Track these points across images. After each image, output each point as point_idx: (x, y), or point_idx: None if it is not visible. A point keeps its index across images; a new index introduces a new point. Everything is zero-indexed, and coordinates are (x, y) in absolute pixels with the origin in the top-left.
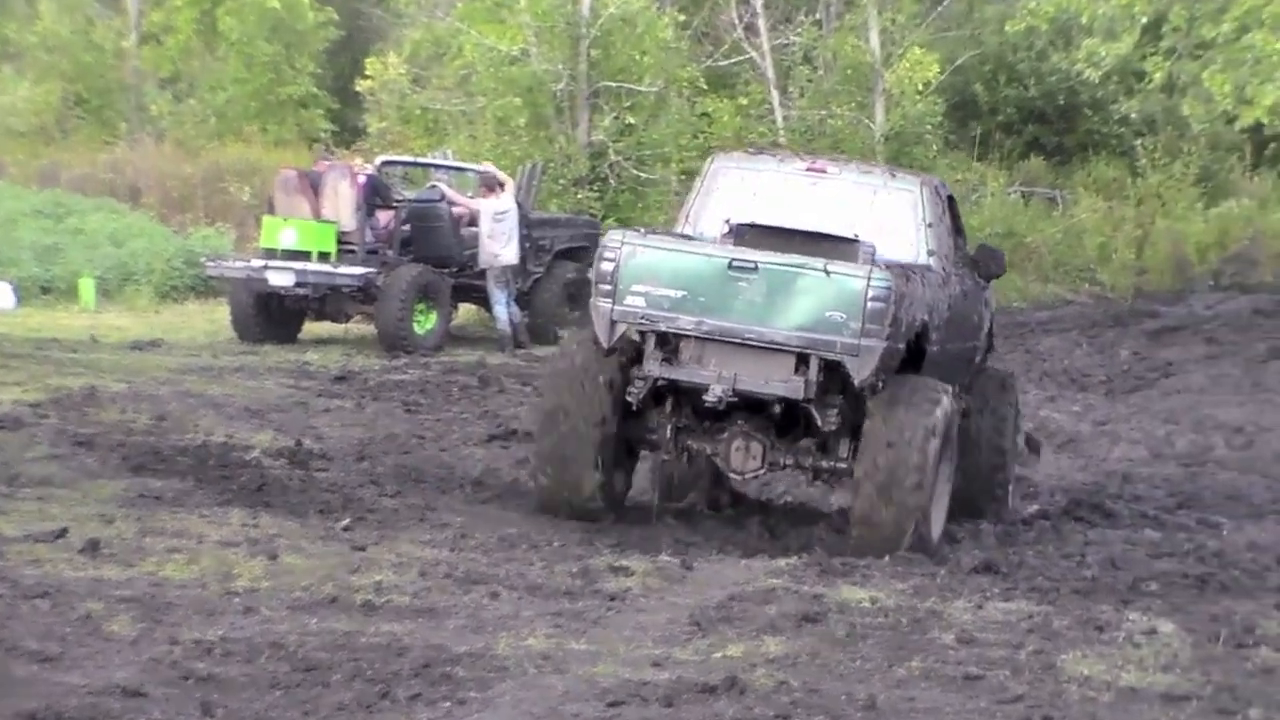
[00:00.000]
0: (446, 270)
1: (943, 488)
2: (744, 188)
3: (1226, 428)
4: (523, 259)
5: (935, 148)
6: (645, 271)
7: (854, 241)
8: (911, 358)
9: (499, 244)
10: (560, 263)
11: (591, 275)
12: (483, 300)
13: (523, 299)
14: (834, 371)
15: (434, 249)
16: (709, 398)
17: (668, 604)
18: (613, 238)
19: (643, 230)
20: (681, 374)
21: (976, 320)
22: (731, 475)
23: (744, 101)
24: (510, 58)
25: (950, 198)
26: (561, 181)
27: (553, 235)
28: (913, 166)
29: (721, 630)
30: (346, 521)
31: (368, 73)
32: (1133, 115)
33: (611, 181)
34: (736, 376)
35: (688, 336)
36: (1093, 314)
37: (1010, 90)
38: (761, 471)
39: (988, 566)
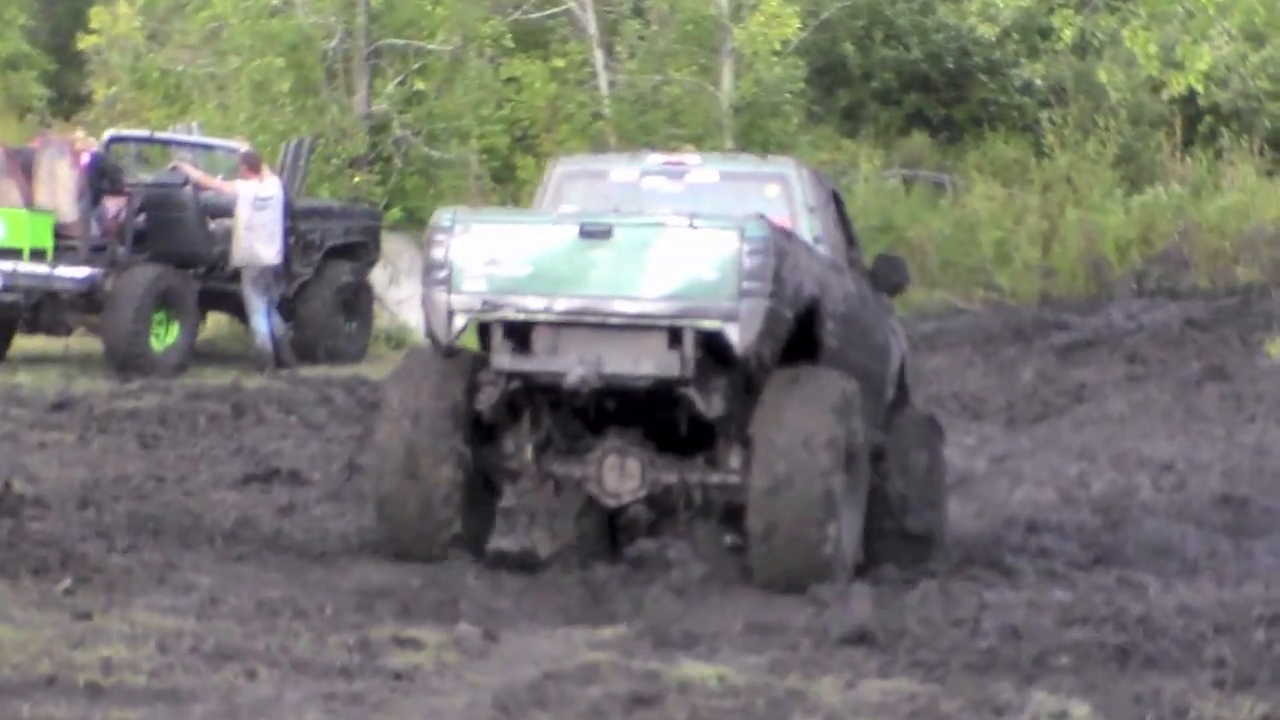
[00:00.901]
0: (192, 271)
1: (853, 503)
2: (596, 193)
3: (1153, 465)
4: (287, 258)
5: (796, 121)
6: (482, 251)
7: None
8: (804, 345)
9: (259, 239)
10: (333, 263)
11: (421, 264)
12: (237, 309)
13: (286, 307)
14: (714, 348)
15: (176, 244)
16: (568, 381)
17: (467, 685)
18: (441, 217)
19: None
20: (536, 364)
21: (882, 341)
22: (605, 501)
23: (560, 64)
24: (270, 8)
25: (836, 194)
26: (334, 162)
27: (323, 228)
28: (768, 144)
29: (534, 717)
30: (67, 583)
31: (93, 26)
32: (1037, 82)
33: (397, 162)
34: (600, 360)
35: (540, 323)
36: (989, 326)
37: (887, 51)
38: (641, 493)
39: (861, 636)
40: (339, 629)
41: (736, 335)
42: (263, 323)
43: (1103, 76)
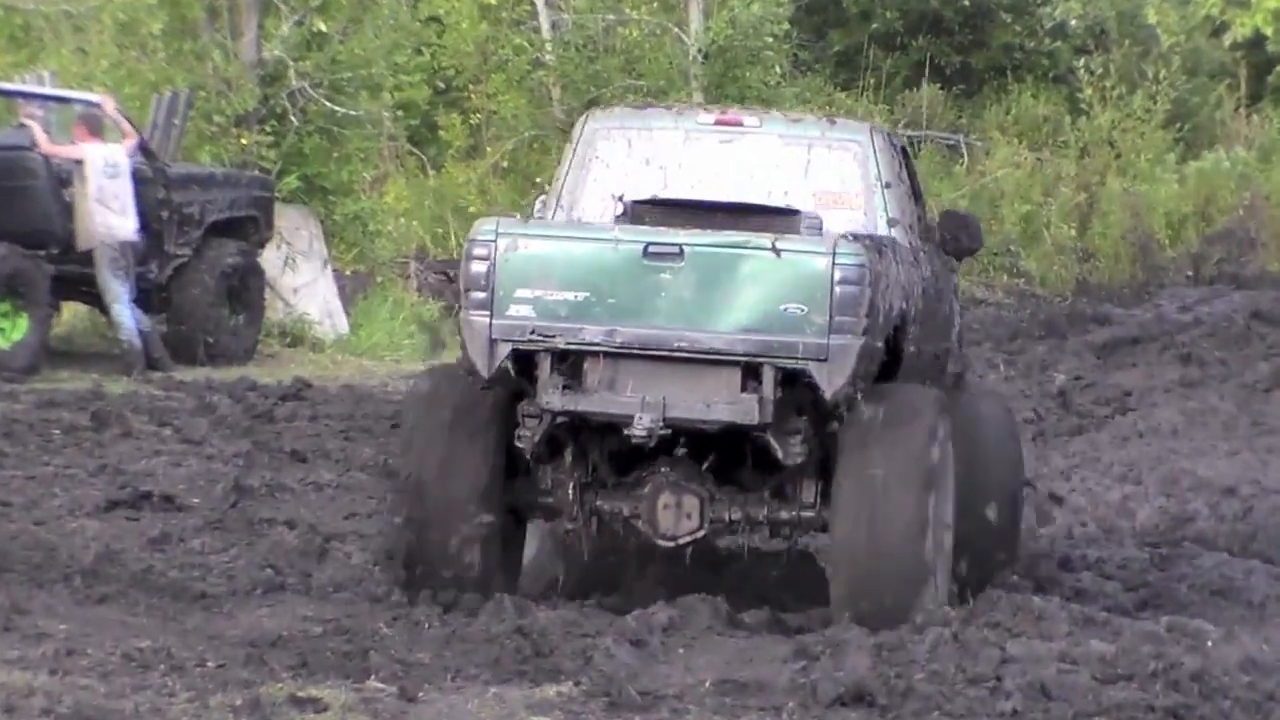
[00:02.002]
0: (44, 252)
1: (946, 535)
2: (633, 154)
3: (1212, 488)
4: (159, 235)
5: (779, 70)
6: (532, 270)
7: (793, 213)
8: (885, 362)
9: (114, 211)
10: (216, 241)
11: (459, 281)
12: (99, 298)
13: (159, 296)
14: (795, 385)
15: (23, 220)
16: (635, 432)
17: None
18: (484, 228)
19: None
20: (593, 405)
21: (948, 312)
22: (660, 542)
23: (493, 1)
24: None
25: (905, 150)
26: (218, 119)
27: (204, 200)
28: (745, 98)
29: None
30: None
31: None
32: (1072, 23)
33: (293, 119)
34: (666, 402)
35: (595, 353)
36: (1014, 319)
37: None
38: (700, 533)
39: (858, 695)
40: (224, 686)
41: (826, 377)
42: (125, 313)
43: (1152, 16)
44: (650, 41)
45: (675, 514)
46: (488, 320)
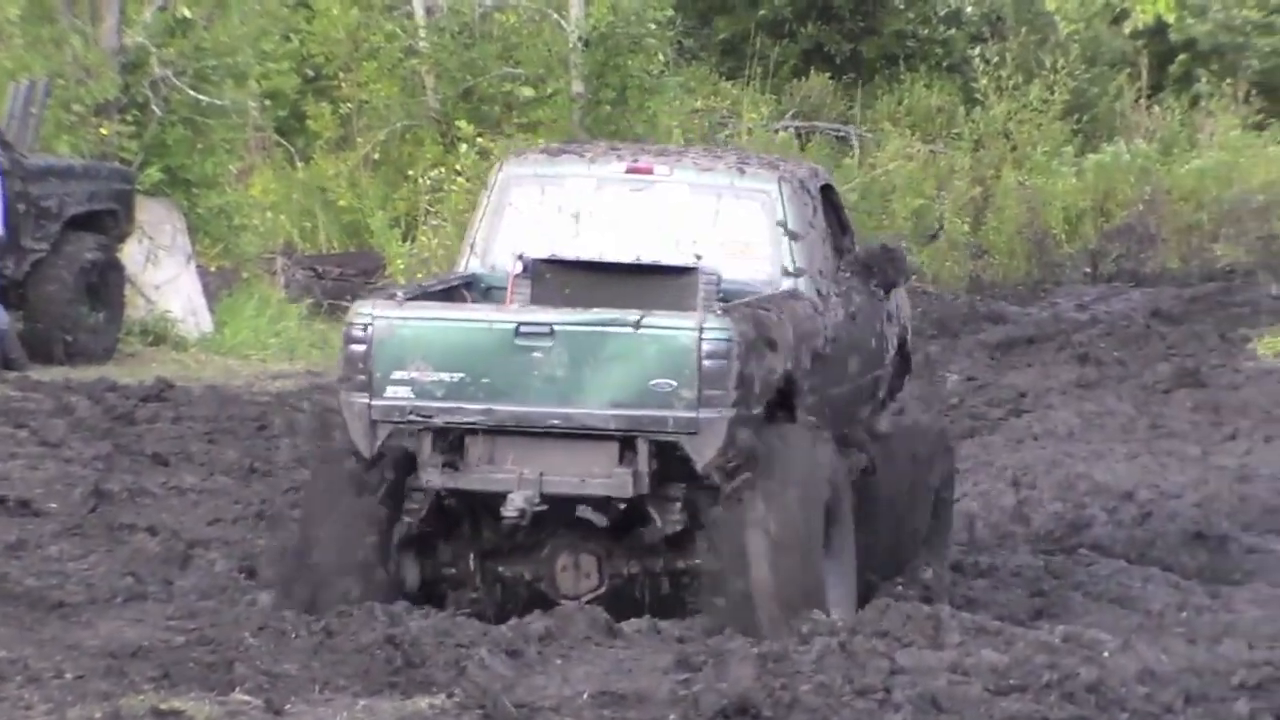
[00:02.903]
0: None
1: (842, 558)
2: (545, 203)
3: (1110, 493)
4: (15, 230)
5: (662, 59)
6: (408, 351)
7: (691, 270)
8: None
9: None
10: (75, 236)
11: (339, 362)
12: None
13: (14, 293)
14: (669, 455)
15: None
16: (508, 512)
17: None
18: (359, 310)
19: (397, 294)
20: (471, 481)
21: (875, 345)
22: (562, 601)
23: None
24: None
25: (827, 187)
26: (77, 109)
27: (62, 193)
28: (627, 86)
29: None
30: None
31: None
32: (968, 11)
33: (156, 109)
34: (543, 477)
35: (474, 431)
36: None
37: None
38: (601, 590)
39: (742, 708)
40: (83, 698)
41: (698, 449)
42: None
43: (1050, 4)
44: (529, 28)
45: (574, 574)
46: (367, 402)
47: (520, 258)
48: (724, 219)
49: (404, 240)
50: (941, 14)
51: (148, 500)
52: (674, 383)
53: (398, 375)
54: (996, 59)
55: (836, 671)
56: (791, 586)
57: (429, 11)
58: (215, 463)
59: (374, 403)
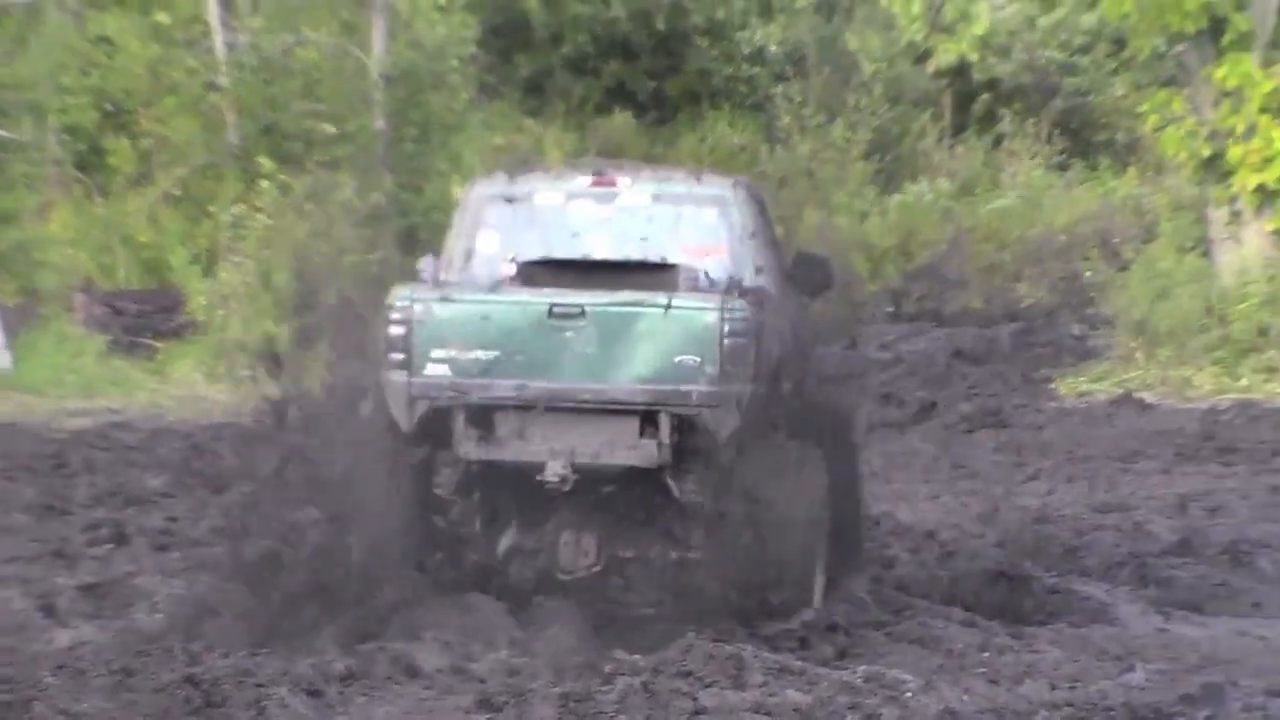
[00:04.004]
0: None
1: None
2: (519, 218)
3: (912, 533)
4: None
5: (465, 96)
6: (446, 332)
7: (671, 268)
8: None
9: None
10: None
11: (380, 344)
12: None
13: None
14: (688, 430)
15: None
16: (548, 478)
17: None
18: (400, 296)
19: (429, 278)
20: (506, 453)
21: (806, 352)
22: (560, 575)
23: (164, 19)
24: None
25: (760, 199)
26: None
27: None
28: (430, 123)
29: None
30: None
31: None
32: (771, 49)
33: None
34: (574, 449)
35: (505, 407)
36: None
37: (582, 7)
38: (596, 568)
39: None
40: None
41: (717, 421)
42: None
43: (853, 43)
44: (331, 64)
45: (574, 551)
46: (406, 379)
47: (512, 260)
48: (686, 223)
49: (204, 276)
50: (745, 52)
51: None
52: (698, 359)
53: (436, 354)
54: (800, 98)
55: (639, 711)
56: (786, 569)
57: (230, 47)
58: (12, 500)
59: (413, 380)
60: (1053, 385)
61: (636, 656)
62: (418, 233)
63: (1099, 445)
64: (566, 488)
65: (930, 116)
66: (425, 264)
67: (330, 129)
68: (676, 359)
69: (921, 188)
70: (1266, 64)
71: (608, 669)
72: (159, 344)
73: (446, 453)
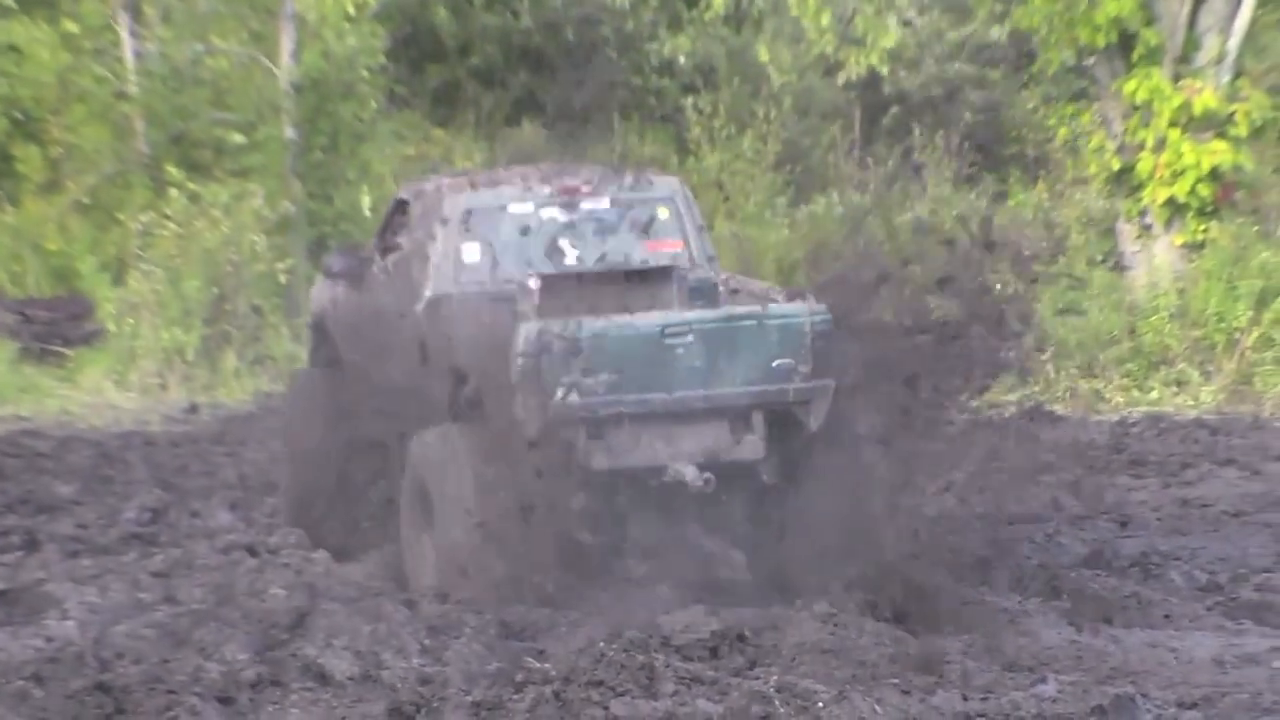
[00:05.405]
0: None
1: None
2: (495, 225)
3: None
4: None
5: (374, 105)
6: (571, 358)
7: (669, 270)
8: None
9: None
10: None
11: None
12: None
13: None
14: (776, 424)
15: None
16: (694, 481)
17: None
18: (526, 333)
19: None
20: (634, 460)
21: None
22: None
23: (73, 28)
24: None
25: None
26: None
27: None
28: (339, 133)
29: None
30: None
31: None
32: (681, 60)
33: None
34: (691, 451)
35: (626, 418)
36: None
37: (490, 18)
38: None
39: None
40: None
41: (810, 414)
42: None
43: (763, 55)
44: (240, 73)
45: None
46: (539, 403)
47: (535, 274)
48: (645, 221)
49: (114, 284)
50: (655, 64)
51: None
52: (792, 361)
53: (565, 379)
54: (709, 109)
55: None
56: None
57: (139, 55)
58: None
59: (545, 402)
60: (963, 397)
61: (547, 665)
62: (327, 241)
63: (1009, 458)
64: (710, 489)
65: (840, 128)
66: (334, 259)
67: (239, 138)
68: (774, 363)
69: (830, 200)
70: (1176, 78)
71: (519, 677)
72: (69, 351)
73: (572, 465)
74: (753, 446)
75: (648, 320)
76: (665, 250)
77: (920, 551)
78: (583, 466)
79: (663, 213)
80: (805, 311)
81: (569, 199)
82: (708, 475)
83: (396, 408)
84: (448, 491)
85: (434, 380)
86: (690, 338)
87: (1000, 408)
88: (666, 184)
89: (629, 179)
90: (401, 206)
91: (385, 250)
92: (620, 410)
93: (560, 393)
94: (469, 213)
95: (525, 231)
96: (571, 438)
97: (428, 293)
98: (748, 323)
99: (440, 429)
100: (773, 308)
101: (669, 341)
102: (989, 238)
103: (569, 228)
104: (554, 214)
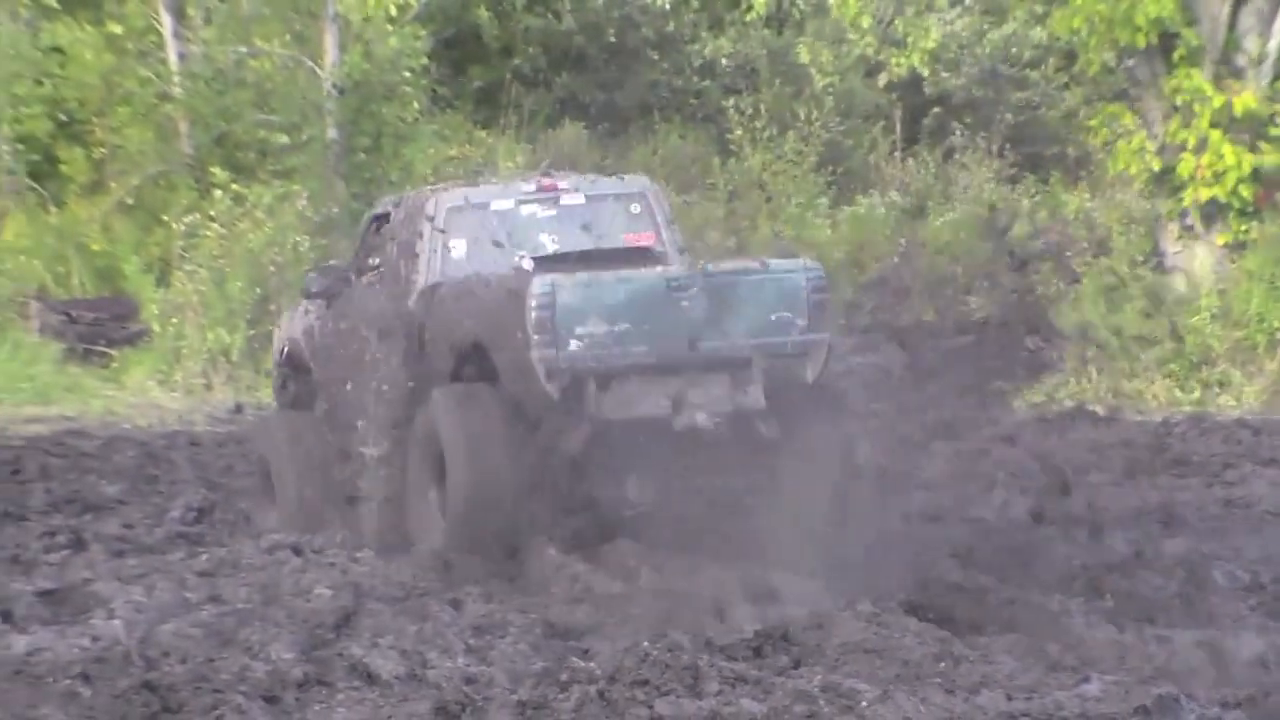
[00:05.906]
0: None
1: None
2: (483, 223)
3: None
4: None
5: (417, 106)
6: (583, 310)
7: (646, 250)
8: None
9: None
10: None
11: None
12: None
13: None
14: (779, 376)
15: None
16: (704, 424)
17: None
18: (540, 284)
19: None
20: (644, 410)
21: None
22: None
23: (117, 30)
24: None
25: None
26: None
27: None
28: (382, 134)
29: None
30: None
31: None
32: (722, 62)
33: None
34: (697, 400)
35: (633, 370)
36: None
37: (533, 20)
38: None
39: None
40: None
41: (807, 367)
42: None
43: (804, 56)
44: (283, 75)
45: (640, 484)
46: (554, 353)
47: (526, 256)
48: (620, 215)
49: (158, 285)
50: (696, 65)
51: None
52: (790, 314)
53: (577, 330)
54: (751, 110)
55: (596, 719)
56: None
57: (182, 57)
58: None
59: (559, 353)
60: (1006, 398)
61: (592, 665)
62: None
63: (1052, 458)
64: (718, 428)
65: (881, 130)
66: (312, 280)
67: (283, 139)
68: (773, 316)
69: (872, 200)
70: (1217, 79)
71: (564, 677)
72: (113, 352)
73: (578, 416)
74: (755, 396)
75: (653, 274)
76: (639, 242)
77: (965, 553)
78: (593, 416)
79: (634, 208)
80: (801, 268)
81: (547, 196)
82: (717, 418)
83: (400, 387)
84: (462, 447)
85: (435, 362)
86: (694, 291)
87: (1043, 408)
88: (638, 184)
89: (603, 178)
90: (379, 222)
91: (362, 270)
92: (629, 361)
93: (573, 344)
94: (453, 210)
95: (507, 226)
96: (581, 389)
97: (420, 285)
98: (748, 278)
99: (457, 388)
100: (771, 264)
101: (674, 295)
102: (1031, 239)
103: (548, 222)
104: (534, 210)
